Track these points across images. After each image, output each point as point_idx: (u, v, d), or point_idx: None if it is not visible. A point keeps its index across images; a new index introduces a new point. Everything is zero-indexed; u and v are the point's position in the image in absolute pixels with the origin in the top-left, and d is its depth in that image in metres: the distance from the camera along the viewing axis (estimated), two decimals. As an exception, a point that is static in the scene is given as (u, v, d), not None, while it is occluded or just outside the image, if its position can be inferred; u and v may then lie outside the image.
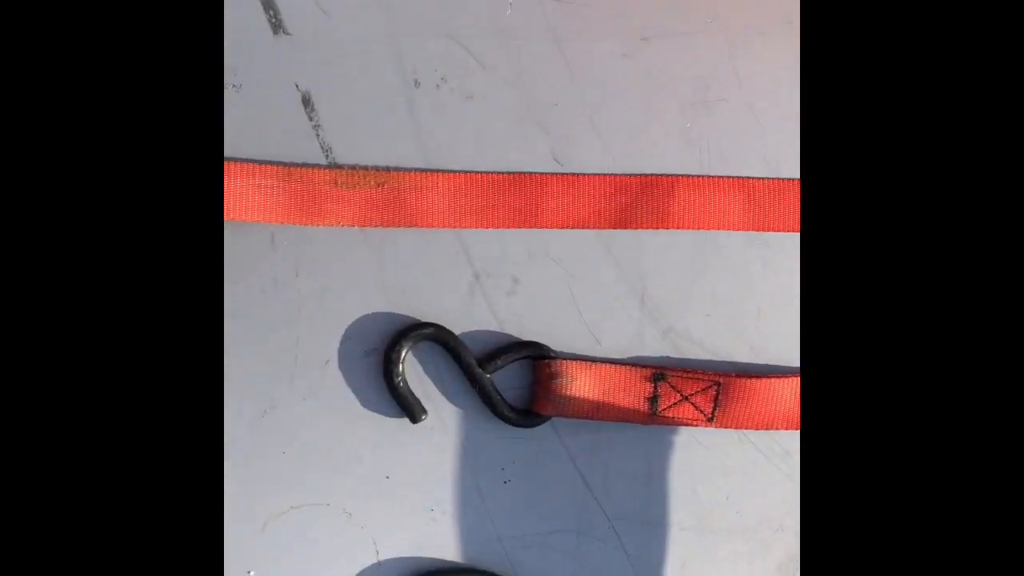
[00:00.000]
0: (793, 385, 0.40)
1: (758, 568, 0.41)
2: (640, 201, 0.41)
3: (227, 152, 0.38)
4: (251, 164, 0.38)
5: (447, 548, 0.39)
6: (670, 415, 0.40)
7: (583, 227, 0.40)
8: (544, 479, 0.40)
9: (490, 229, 0.40)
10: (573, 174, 0.40)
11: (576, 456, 0.40)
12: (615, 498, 0.40)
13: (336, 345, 0.39)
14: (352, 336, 0.39)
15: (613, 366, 0.40)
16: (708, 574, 0.41)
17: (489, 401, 0.39)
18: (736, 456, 0.41)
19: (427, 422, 0.39)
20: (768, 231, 0.41)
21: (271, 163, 0.38)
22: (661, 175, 0.41)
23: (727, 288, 0.41)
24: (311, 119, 0.39)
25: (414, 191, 0.39)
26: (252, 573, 0.38)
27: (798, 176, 0.40)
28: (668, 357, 0.41)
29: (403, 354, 0.38)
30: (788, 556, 0.41)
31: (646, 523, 0.40)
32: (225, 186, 0.37)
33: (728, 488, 0.41)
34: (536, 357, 0.40)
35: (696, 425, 0.40)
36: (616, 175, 0.40)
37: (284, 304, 0.39)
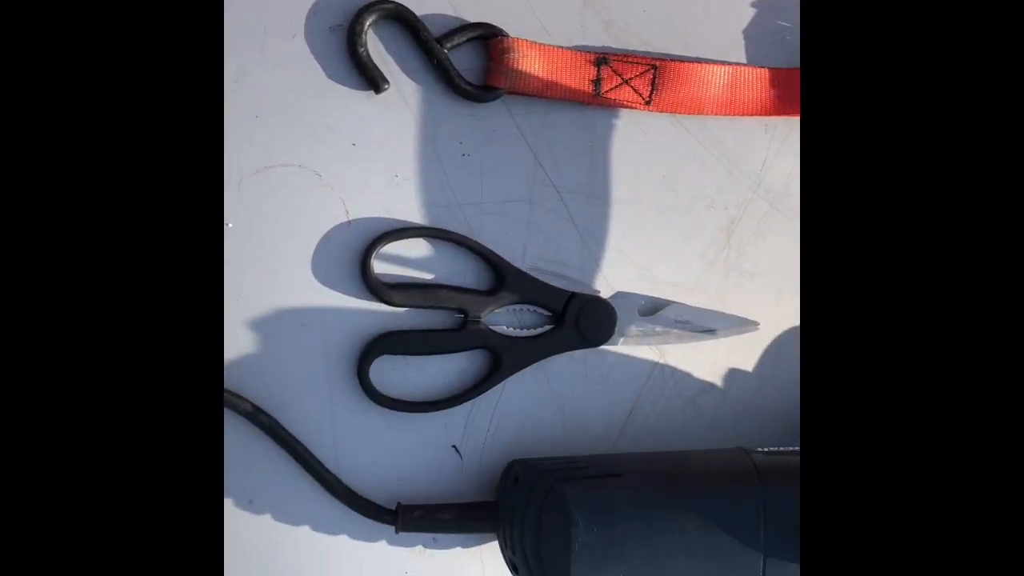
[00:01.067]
0: (723, 73, 0.45)
1: (692, 240, 0.45)
2: (582, -101, 0.44)
3: None
4: None
5: (411, 212, 0.43)
6: (611, 97, 0.44)
7: (530, -79, 0.43)
8: (499, 153, 0.44)
9: (444, -83, 0.43)
10: None
11: (527, 133, 0.44)
12: (563, 173, 0.44)
13: (303, 20, 0.42)
14: (318, 12, 0.42)
15: (560, 49, 0.44)
16: (647, 244, 0.45)
17: (446, 75, 0.42)
18: (671, 139, 0.45)
19: (389, 96, 0.42)
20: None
21: None
22: None
23: (662, -15, 0.45)
24: None
25: None
26: (230, 225, 0.41)
27: None
28: (610, 47, 0.45)
29: (366, 27, 0.41)
30: (718, 230, 0.45)
31: (591, 196, 0.44)
32: None
33: (664, 169, 0.45)
34: (490, 36, 0.43)
35: (635, 107, 0.44)
36: None
37: (251, -23, 0.41)
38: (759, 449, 0.40)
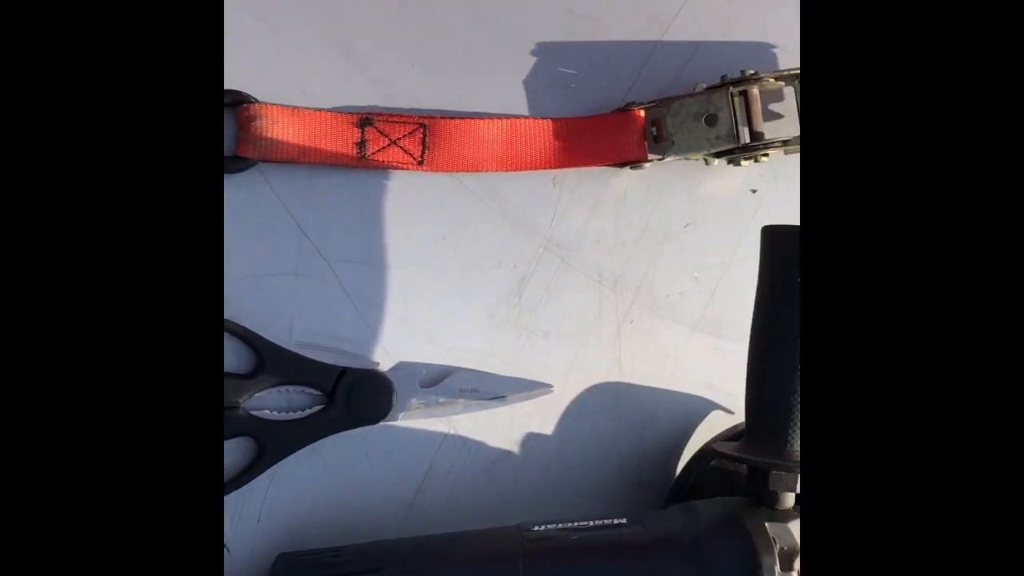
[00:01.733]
0: (499, 127, 0.43)
1: (480, 302, 0.43)
2: (335, -46, 0.42)
3: None
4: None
5: (161, 294, 0.40)
6: (379, 159, 0.42)
7: (279, -21, 0.41)
8: (257, 225, 0.41)
9: (182, -19, 0.40)
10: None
11: (288, 202, 0.42)
12: (332, 241, 0.42)
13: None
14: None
15: (316, 111, 0.41)
16: (430, 309, 0.43)
17: (192, 147, 0.40)
18: (450, 199, 0.43)
19: (131, 172, 0.40)
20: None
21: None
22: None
23: (432, 39, 0.43)
24: None
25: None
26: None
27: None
28: (377, 106, 0.43)
29: (97, 102, 0.39)
30: (508, 289, 0.43)
31: (365, 263, 0.42)
32: None
33: (444, 229, 0.43)
34: (235, 103, 0.41)
35: (408, 168, 0.42)
36: (308, -72, 0.42)
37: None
38: (536, 527, 0.38)
